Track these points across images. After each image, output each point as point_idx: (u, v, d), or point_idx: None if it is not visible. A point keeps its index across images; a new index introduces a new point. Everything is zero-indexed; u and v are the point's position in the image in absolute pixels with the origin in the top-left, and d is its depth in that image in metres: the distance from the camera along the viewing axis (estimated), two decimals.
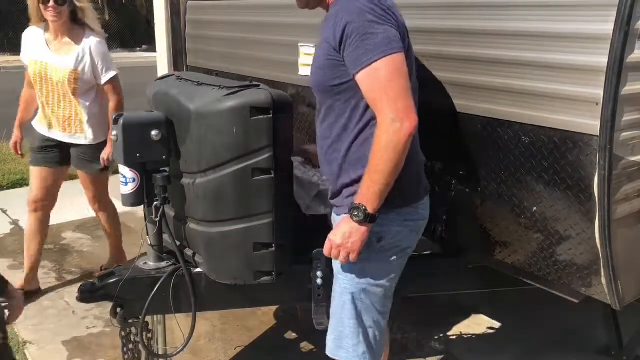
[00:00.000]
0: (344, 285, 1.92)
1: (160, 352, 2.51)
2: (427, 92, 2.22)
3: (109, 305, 2.39)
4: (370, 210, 1.70)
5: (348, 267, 1.87)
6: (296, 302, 2.86)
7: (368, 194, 1.70)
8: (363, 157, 1.75)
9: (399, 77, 1.67)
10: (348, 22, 1.67)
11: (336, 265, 1.93)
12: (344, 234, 1.75)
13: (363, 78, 1.68)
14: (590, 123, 1.78)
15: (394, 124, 1.64)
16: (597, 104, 1.75)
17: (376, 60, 1.65)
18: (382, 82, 1.66)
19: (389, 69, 1.65)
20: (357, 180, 1.78)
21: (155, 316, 2.46)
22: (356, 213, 1.71)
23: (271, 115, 2.00)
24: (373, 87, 1.68)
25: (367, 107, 1.76)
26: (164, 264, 2.33)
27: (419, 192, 1.92)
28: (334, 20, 1.72)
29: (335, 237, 1.78)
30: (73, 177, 5.85)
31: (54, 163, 3.44)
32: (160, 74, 3.88)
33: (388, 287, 1.94)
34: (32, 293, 3.46)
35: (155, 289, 2.22)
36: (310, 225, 2.31)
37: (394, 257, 1.90)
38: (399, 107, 1.64)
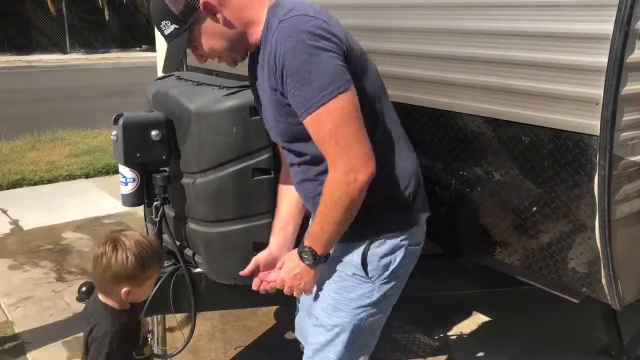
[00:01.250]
0: (341, 322, 1.72)
1: (160, 352, 2.51)
2: (427, 92, 2.23)
3: None
4: (320, 254, 1.61)
5: (347, 302, 1.70)
6: (296, 302, 2.86)
7: (318, 240, 1.59)
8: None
9: (349, 120, 1.47)
10: (284, 65, 1.47)
11: (329, 299, 1.73)
12: (295, 275, 1.66)
13: (308, 126, 1.50)
14: (590, 123, 1.78)
15: (347, 175, 1.48)
16: (597, 104, 1.74)
17: (319, 107, 1.45)
18: (329, 131, 1.47)
19: (335, 115, 1.46)
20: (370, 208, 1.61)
21: (155, 316, 2.46)
22: (306, 257, 1.61)
23: None
24: (321, 137, 1.50)
25: None
26: (164, 264, 2.33)
27: (421, 211, 1.78)
28: (271, 64, 1.52)
29: (286, 277, 1.68)
30: (73, 177, 5.88)
31: None
32: (160, 73, 3.88)
33: (383, 320, 1.79)
34: None
35: (155, 289, 2.22)
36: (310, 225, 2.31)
37: (396, 285, 1.74)
38: (352, 157, 1.47)
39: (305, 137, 1.56)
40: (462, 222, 2.31)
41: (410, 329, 3.17)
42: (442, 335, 3.14)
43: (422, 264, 2.85)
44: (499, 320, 3.27)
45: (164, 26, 1.55)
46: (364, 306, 1.69)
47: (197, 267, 2.29)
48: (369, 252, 1.65)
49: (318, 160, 1.61)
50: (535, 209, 2.01)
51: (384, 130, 1.67)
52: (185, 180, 2.19)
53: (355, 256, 1.66)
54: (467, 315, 3.31)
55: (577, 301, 2.13)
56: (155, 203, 2.22)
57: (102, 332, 1.67)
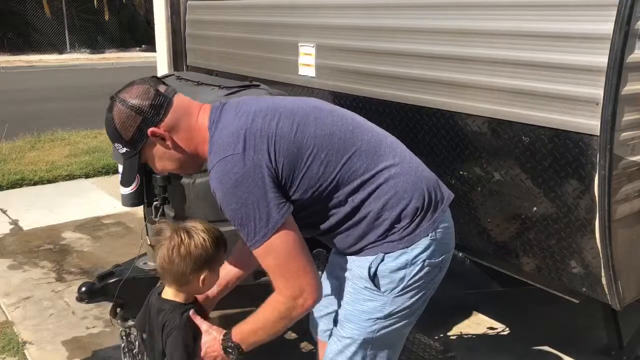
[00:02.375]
0: (351, 333, 1.70)
1: None
2: (428, 92, 2.23)
3: (108, 305, 2.39)
4: (244, 350, 1.65)
5: (358, 314, 1.68)
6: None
7: (247, 340, 1.64)
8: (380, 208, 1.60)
9: (289, 256, 1.53)
10: (220, 204, 1.54)
11: (343, 310, 1.73)
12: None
13: (257, 257, 1.56)
14: (590, 123, 1.78)
15: (294, 301, 1.54)
16: (597, 104, 1.74)
17: (262, 244, 1.51)
18: (274, 266, 1.54)
19: (275, 253, 1.52)
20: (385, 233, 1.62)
21: None
22: (231, 351, 1.65)
23: None
24: (267, 268, 1.56)
25: (350, 181, 1.58)
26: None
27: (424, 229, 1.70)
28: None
29: (207, 358, 1.71)
30: (73, 177, 5.88)
31: None
32: (160, 74, 3.88)
33: (404, 331, 1.75)
34: None
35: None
36: None
37: (415, 297, 1.68)
38: (297, 286, 1.53)
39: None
40: (462, 222, 2.31)
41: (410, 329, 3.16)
42: (442, 335, 3.14)
43: None
44: (499, 320, 3.27)
45: (117, 147, 1.63)
46: (375, 319, 1.66)
47: None
48: (379, 267, 1.62)
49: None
50: (535, 209, 2.01)
51: (365, 170, 1.60)
52: (185, 180, 2.19)
53: (365, 270, 1.63)
54: (467, 315, 3.31)
55: (577, 301, 2.13)
56: (155, 203, 2.22)
57: (176, 327, 1.68)
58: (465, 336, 3.15)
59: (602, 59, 1.71)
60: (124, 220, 4.66)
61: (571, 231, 1.94)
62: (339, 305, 1.77)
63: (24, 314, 3.28)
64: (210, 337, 1.71)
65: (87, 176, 5.90)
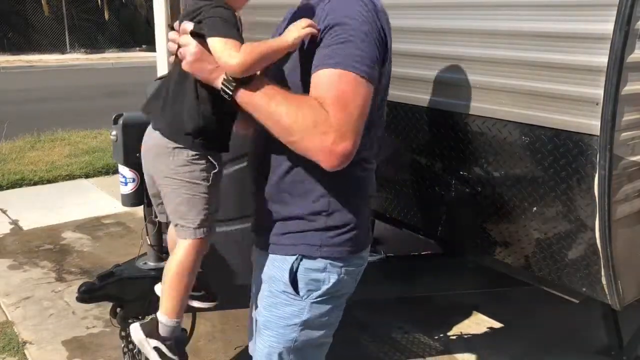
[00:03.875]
0: (269, 342, 1.59)
1: None
2: (428, 92, 2.22)
3: (108, 305, 2.39)
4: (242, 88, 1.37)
5: (276, 320, 1.56)
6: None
7: (252, 92, 1.37)
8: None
9: (359, 106, 1.35)
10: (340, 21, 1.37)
11: (261, 317, 1.60)
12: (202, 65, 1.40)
13: (323, 77, 1.36)
14: (590, 123, 1.78)
15: (335, 132, 1.33)
16: (597, 104, 1.74)
17: (340, 69, 1.34)
18: (337, 96, 1.34)
19: (350, 90, 1.35)
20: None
21: None
22: (227, 85, 1.37)
23: None
24: (326, 95, 1.34)
25: None
26: (163, 264, 2.32)
27: (368, 236, 1.63)
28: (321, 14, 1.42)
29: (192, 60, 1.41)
30: (73, 177, 5.88)
31: None
32: (160, 73, 3.88)
33: (325, 342, 1.64)
34: None
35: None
36: None
37: (331, 306, 1.58)
38: (349, 128, 1.34)
39: None
40: (462, 222, 2.31)
41: (410, 329, 3.17)
42: (442, 335, 3.14)
43: (423, 264, 2.85)
44: (499, 320, 3.27)
45: None
46: (294, 325, 1.55)
47: None
48: (299, 268, 1.51)
49: None
50: (535, 209, 2.01)
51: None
52: None
53: (284, 273, 1.52)
54: (467, 315, 3.32)
55: (577, 301, 2.13)
56: None
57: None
58: (465, 336, 3.15)
59: (602, 59, 1.71)
60: (124, 220, 4.66)
61: (571, 231, 1.94)
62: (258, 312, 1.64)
63: (24, 313, 3.29)
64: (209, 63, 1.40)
65: (87, 176, 5.91)
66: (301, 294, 1.53)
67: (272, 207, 1.54)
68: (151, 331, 1.60)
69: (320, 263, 1.51)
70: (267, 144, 1.49)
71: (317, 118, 1.33)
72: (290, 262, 1.52)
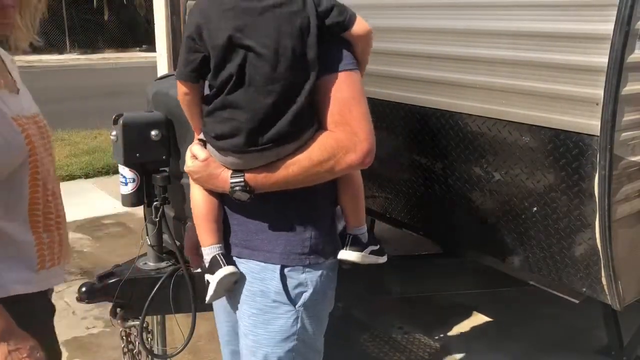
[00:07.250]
0: (255, 347, 1.56)
1: (160, 353, 2.51)
2: (428, 92, 2.22)
3: (109, 305, 2.39)
4: (252, 187, 1.43)
5: (272, 335, 1.54)
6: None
7: (265, 176, 1.43)
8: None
9: (364, 101, 1.51)
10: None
11: (249, 338, 1.57)
12: (207, 175, 1.50)
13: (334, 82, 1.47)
14: (590, 123, 1.78)
15: (353, 138, 1.44)
16: (597, 104, 1.74)
17: (349, 71, 1.51)
18: (347, 98, 1.48)
19: (356, 86, 1.51)
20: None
21: (154, 316, 2.46)
22: (238, 189, 1.43)
23: None
24: (338, 98, 1.47)
25: None
26: (163, 264, 2.32)
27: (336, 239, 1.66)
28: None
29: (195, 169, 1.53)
30: (73, 177, 5.88)
31: None
32: (160, 73, 3.88)
33: (319, 347, 1.64)
34: None
35: (155, 289, 2.22)
36: None
37: (322, 306, 1.61)
38: (364, 129, 1.47)
39: None
40: (462, 222, 2.31)
41: (410, 329, 3.17)
42: (442, 335, 3.14)
43: (422, 264, 2.86)
44: (499, 320, 3.27)
45: None
46: (291, 336, 1.54)
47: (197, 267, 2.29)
48: (284, 276, 1.52)
49: None
50: (535, 209, 2.01)
51: None
52: (185, 180, 2.19)
53: (274, 282, 1.51)
54: (467, 315, 3.32)
55: (577, 301, 2.13)
56: (155, 203, 2.22)
57: None
58: (465, 336, 3.15)
59: (602, 59, 1.71)
60: (124, 221, 4.66)
61: (571, 231, 1.94)
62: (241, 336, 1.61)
63: None
64: (215, 169, 1.48)
65: (87, 176, 5.91)
66: (294, 301, 1.53)
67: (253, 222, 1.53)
68: (358, 248, 1.65)
69: (299, 267, 1.53)
70: None
71: (326, 142, 1.42)
72: (277, 270, 1.51)
